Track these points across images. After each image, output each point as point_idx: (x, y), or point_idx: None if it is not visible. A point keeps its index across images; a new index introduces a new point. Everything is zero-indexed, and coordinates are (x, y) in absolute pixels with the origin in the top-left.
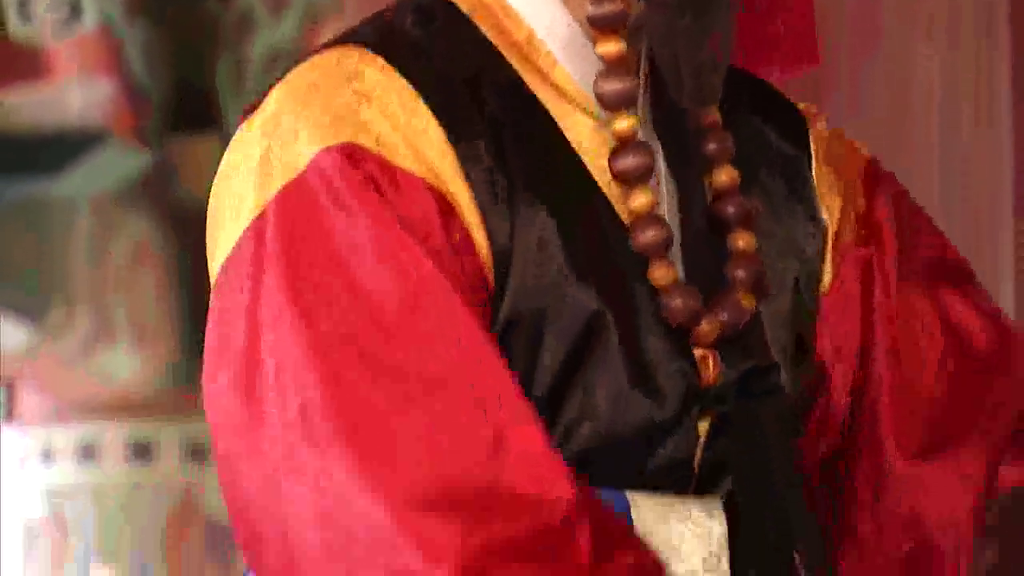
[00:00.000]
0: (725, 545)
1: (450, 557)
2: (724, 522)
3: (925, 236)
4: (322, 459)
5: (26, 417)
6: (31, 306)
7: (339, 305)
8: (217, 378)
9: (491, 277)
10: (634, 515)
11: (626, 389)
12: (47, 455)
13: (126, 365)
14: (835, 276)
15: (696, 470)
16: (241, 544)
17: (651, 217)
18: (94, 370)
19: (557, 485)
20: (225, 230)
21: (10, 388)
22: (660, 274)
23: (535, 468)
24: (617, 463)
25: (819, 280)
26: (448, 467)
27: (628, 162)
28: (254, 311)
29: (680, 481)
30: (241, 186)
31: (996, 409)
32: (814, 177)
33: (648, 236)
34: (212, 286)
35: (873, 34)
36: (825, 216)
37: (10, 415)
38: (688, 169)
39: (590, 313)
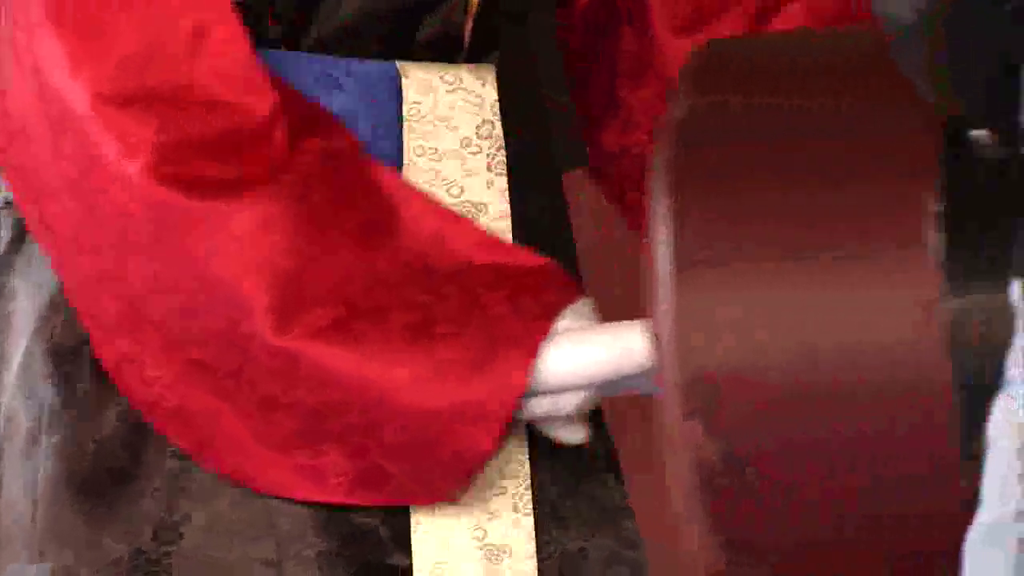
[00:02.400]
0: (498, 111)
1: (144, 150)
2: (495, 89)
3: None
4: (30, 40)
5: None
6: None
7: None
8: None
9: None
10: (404, 85)
11: None
12: None
13: None
14: None
15: (466, 41)
16: None
17: None
18: None
19: (254, 92)
20: None
21: None
22: None
23: (233, 72)
24: (386, 33)
25: None
26: (148, 64)
27: None
28: None
29: (450, 51)
30: None
31: None
32: None
33: None
34: None
35: None
36: None
37: None
38: None
39: None
